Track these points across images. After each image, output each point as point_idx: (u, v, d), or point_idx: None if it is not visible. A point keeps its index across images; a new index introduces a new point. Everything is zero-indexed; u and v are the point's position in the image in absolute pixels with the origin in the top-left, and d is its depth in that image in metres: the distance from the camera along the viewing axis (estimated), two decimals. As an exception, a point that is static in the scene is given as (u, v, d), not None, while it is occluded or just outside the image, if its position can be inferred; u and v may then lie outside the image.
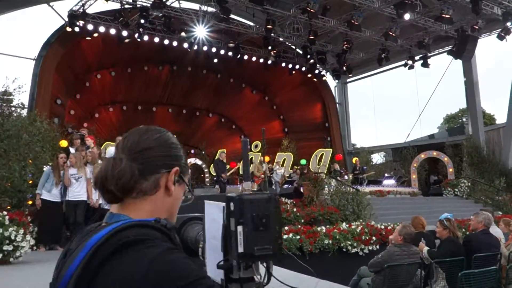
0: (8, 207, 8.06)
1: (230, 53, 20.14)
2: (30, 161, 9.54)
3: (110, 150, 11.30)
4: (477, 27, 18.13)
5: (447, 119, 40.91)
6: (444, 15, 16.79)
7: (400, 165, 23.08)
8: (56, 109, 17.57)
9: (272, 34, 18.98)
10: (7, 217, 6.59)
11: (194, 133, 23.83)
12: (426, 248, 5.99)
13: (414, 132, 25.38)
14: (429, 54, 20.93)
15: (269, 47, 20.00)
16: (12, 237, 6.39)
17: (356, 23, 17.20)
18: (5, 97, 11.86)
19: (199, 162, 20.41)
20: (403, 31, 19.19)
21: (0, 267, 6.17)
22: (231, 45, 19.53)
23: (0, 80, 16.88)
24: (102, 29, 17.30)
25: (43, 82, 16.95)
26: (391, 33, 18.07)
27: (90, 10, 16.74)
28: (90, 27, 17.02)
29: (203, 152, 21.71)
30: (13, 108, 11.89)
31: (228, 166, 17.58)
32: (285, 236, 8.82)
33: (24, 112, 14.11)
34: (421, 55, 21.01)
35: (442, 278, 5.68)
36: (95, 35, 17.40)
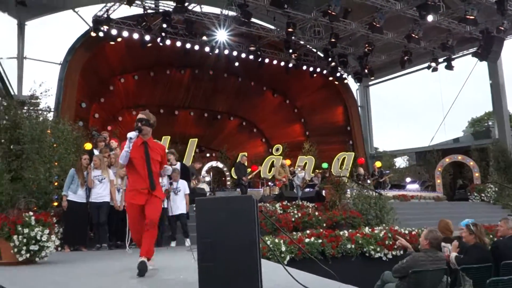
0: (35, 208, 8.18)
1: (251, 57, 20.20)
2: (55, 163, 9.67)
3: None
4: (502, 28, 17.79)
5: (473, 123, 40.27)
6: (468, 16, 16.54)
7: (424, 169, 22.78)
8: (81, 112, 17.86)
9: (293, 37, 18.96)
10: (33, 218, 6.70)
11: (216, 136, 23.94)
12: (453, 254, 5.87)
13: (438, 136, 25.01)
14: (453, 56, 20.65)
15: (290, 50, 19.99)
16: (38, 237, 6.50)
17: (378, 25, 17.06)
18: (32, 100, 12.09)
19: (220, 165, 20.46)
20: (426, 33, 18.96)
21: (27, 267, 6.27)
22: (252, 48, 19.59)
23: (28, 84, 17.25)
24: (125, 33, 17.54)
25: (68, 86, 17.26)
26: (413, 35, 17.87)
27: (114, 16, 17.02)
28: (114, 32, 17.27)
29: (225, 155, 21.76)
30: (40, 112, 12.08)
31: (249, 170, 17.59)
32: (306, 240, 8.78)
33: (51, 116, 14.35)
34: (445, 57, 20.73)
35: (469, 285, 5.55)
36: (119, 39, 17.65)
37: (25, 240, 6.48)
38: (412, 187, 19.43)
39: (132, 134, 5.47)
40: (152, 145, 5.63)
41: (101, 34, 17.02)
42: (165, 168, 5.91)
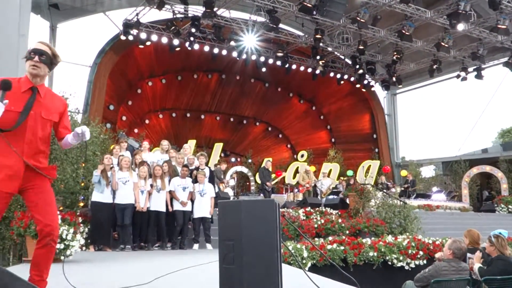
0: (61, 208, 8.37)
1: (278, 62, 20.26)
2: (82, 164, 9.87)
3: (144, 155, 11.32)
4: (535, 38, 17.49)
5: (502, 134, 39.51)
6: (500, 26, 16.29)
7: (451, 179, 22.46)
8: (108, 114, 18.17)
9: (321, 44, 18.95)
10: (59, 217, 6.84)
11: (241, 141, 24.03)
12: (477, 265, 5.79)
13: (466, 146, 24.64)
14: (483, 66, 20.31)
15: (318, 57, 19.98)
16: (64, 236, 6.63)
17: (407, 33, 16.93)
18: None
19: (245, 170, 20.55)
20: (456, 41, 18.73)
21: (52, 264, 6.40)
22: (279, 54, 19.62)
23: (58, 86, 17.63)
24: (154, 37, 17.79)
25: (97, 88, 17.58)
26: (443, 44, 17.68)
27: (143, 20, 17.25)
28: (143, 35, 17.54)
29: (249, 160, 21.84)
30: (69, 113, 12.34)
31: (273, 175, 17.60)
32: (329, 247, 8.76)
33: (79, 117, 14.63)
34: (474, 67, 20.43)
35: (492, 296, 5.48)
36: (148, 43, 17.90)
37: (50, 238, 6.63)
38: (438, 197, 19.16)
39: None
40: (46, 95, 3.54)
41: (130, 37, 17.30)
42: (79, 133, 3.56)
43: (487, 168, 20.73)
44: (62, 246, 6.62)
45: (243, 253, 3.63)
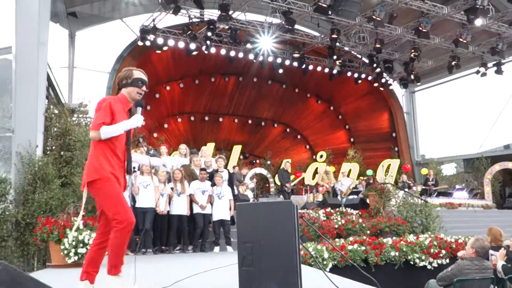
0: (83, 213, 8.46)
1: (295, 64, 20.22)
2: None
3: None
4: (556, 31, 17.17)
5: (525, 129, 38.80)
6: (519, 20, 16.06)
7: (473, 176, 22.13)
8: (128, 120, 18.33)
9: (337, 44, 18.88)
10: (81, 222, 6.94)
11: (260, 143, 24.05)
12: (501, 262, 5.71)
13: (488, 142, 24.21)
14: (503, 61, 19.98)
15: (334, 57, 19.90)
16: (86, 241, 6.72)
17: (424, 30, 16.77)
18: (82, 108, 12.55)
19: (264, 171, 20.55)
20: (475, 37, 18.47)
21: (75, 269, 6.49)
22: (296, 55, 19.61)
23: (78, 93, 17.88)
24: (171, 42, 17.93)
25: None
26: (461, 40, 17.46)
27: (160, 25, 17.42)
28: (160, 41, 17.70)
29: (268, 162, 21.84)
30: (89, 119, 12.51)
31: (292, 176, 17.57)
32: (350, 247, 8.72)
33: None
34: (494, 62, 20.13)
35: (517, 294, 5.40)
36: (165, 48, 18.06)
37: (74, 243, 6.73)
38: (460, 195, 18.90)
39: (140, 120, 3.98)
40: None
41: (147, 43, 17.47)
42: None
43: (510, 165, 20.39)
44: (84, 250, 6.71)
45: (262, 255, 3.64)
